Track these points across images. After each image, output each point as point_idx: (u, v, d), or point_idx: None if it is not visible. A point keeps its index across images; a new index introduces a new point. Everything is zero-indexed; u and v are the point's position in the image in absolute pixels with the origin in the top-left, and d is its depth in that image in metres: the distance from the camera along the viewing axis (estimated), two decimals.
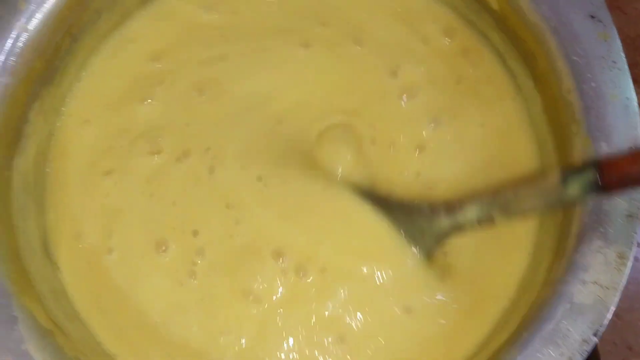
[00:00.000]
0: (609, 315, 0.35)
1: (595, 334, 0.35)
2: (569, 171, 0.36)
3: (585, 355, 0.35)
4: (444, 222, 0.39)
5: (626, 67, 0.40)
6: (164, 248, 0.43)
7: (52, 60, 0.45)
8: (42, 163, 0.46)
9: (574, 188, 0.35)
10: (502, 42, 0.47)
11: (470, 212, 0.38)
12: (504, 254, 0.43)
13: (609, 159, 0.36)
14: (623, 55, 0.40)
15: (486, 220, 0.38)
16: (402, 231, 0.41)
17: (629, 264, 0.36)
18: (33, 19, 0.43)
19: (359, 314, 0.41)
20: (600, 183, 0.34)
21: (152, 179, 0.45)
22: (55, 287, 0.42)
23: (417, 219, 0.40)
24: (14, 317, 0.36)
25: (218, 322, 0.42)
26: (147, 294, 0.43)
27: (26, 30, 0.43)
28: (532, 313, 0.37)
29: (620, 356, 0.52)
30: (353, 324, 0.41)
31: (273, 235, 0.43)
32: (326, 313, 0.41)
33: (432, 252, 0.40)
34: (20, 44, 0.42)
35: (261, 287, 0.42)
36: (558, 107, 0.42)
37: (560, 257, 0.38)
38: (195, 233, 0.43)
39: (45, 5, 0.43)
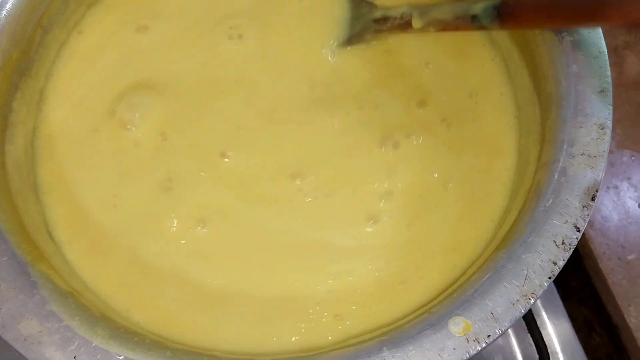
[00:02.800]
0: (601, 180, 0.38)
1: (592, 199, 0.37)
2: None
3: (587, 219, 0.37)
4: (378, 11, 0.48)
5: None
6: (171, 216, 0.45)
7: (27, 52, 0.46)
8: (30, 154, 0.46)
9: (479, 6, 0.41)
10: None
11: (399, 9, 0.47)
12: (491, 160, 0.46)
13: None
14: None
15: (405, 18, 0.46)
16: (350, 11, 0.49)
17: (609, 132, 0.39)
18: (4, 9, 0.44)
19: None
20: (499, 7, 0.40)
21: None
22: (63, 264, 0.42)
23: (364, 6, 0.49)
24: (33, 282, 0.36)
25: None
26: (152, 252, 0.44)
27: None
28: (532, 195, 0.39)
29: (615, 255, 0.55)
30: None
31: None
32: None
33: (361, 33, 0.49)
34: None
35: None
36: None
37: (547, 142, 0.40)
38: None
39: None
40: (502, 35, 0.48)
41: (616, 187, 0.56)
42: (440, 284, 0.42)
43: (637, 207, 0.56)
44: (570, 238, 0.37)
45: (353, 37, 0.49)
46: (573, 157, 0.38)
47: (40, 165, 0.46)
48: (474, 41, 0.50)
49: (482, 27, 0.42)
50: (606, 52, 0.40)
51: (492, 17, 0.41)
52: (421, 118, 0.47)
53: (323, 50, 0.49)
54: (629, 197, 0.56)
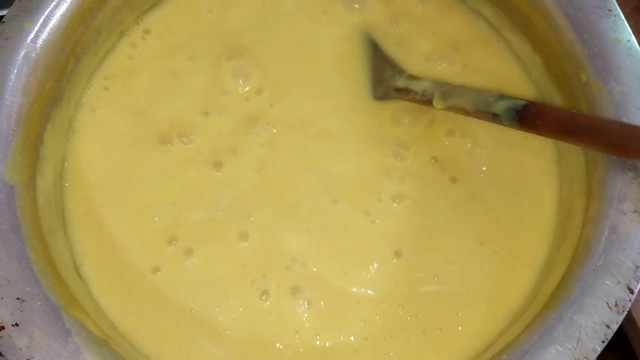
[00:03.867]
0: None
1: None
2: (507, 94, 0.42)
3: None
4: (400, 81, 0.47)
5: (621, 13, 0.42)
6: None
7: (59, 81, 0.45)
8: (59, 186, 0.45)
9: (500, 106, 0.41)
10: (494, 15, 0.49)
11: (421, 85, 0.45)
12: (530, 207, 0.45)
13: (540, 104, 0.41)
14: (616, 3, 0.42)
15: (426, 96, 0.45)
16: (373, 72, 0.49)
17: None
18: (39, 39, 0.43)
19: None
20: (520, 112, 0.39)
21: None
22: (92, 304, 0.41)
23: (387, 70, 0.48)
24: (66, 329, 0.35)
25: None
26: (186, 300, 0.42)
27: (34, 49, 0.42)
28: (579, 253, 0.38)
29: None
30: None
31: None
32: None
33: (384, 97, 0.48)
34: (30, 64, 0.42)
35: None
36: (562, 61, 0.44)
37: (594, 196, 0.39)
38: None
39: (49, 24, 0.43)
40: (543, 77, 0.47)
41: None
42: (482, 333, 0.41)
43: None
44: (623, 300, 0.36)
45: (377, 98, 0.48)
46: (625, 214, 0.37)
47: (68, 198, 0.45)
48: (512, 82, 0.49)
49: (502, 124, 0.41)
50: None
51: (513, 120, 0.40)
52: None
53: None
54: None
